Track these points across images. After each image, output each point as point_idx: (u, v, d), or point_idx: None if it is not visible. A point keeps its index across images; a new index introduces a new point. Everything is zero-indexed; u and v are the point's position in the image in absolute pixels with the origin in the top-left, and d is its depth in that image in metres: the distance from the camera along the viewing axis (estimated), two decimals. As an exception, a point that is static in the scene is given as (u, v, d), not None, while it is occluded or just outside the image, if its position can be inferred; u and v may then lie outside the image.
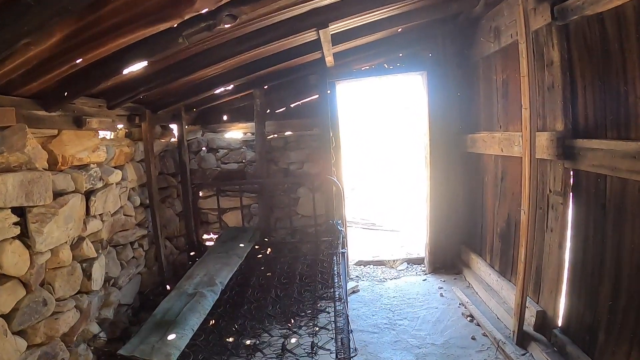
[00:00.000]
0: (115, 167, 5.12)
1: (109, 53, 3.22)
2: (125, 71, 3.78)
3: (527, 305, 4.34)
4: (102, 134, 5.03)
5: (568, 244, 4.00)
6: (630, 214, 3.22)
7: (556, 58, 3.93)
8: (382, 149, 18.27)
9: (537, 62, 4.16)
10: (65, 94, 3.75)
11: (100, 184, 4.62)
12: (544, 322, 4.35)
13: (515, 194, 4.98)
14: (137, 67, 3.91)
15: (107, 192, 4.74)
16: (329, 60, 5.74)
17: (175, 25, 2.97)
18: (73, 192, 4.13)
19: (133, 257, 5.59)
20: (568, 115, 3.88)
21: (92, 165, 4.53)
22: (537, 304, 4.48)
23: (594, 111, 3.60)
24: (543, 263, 4.38)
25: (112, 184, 4.91)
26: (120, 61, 3.48)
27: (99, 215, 4.66)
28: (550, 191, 4.21)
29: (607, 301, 3.48)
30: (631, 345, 3.21)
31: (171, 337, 3.71)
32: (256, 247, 6.33)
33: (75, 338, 4.09)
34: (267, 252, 6.44)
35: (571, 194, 3.93)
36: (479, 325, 5.06)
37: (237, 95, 6.87)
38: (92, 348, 4.35)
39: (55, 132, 4.08)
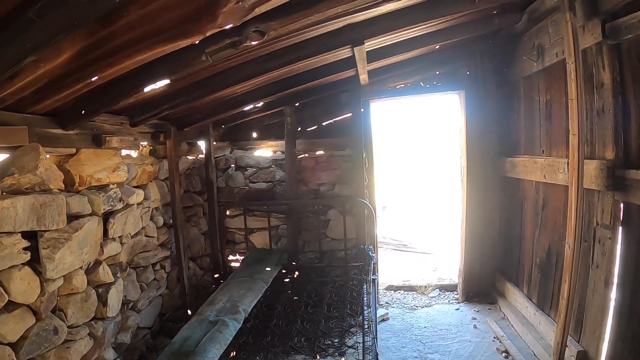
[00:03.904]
0: (137, 187, 4.96)
1: (126, 70, 3.05)
2: (147, 89, 3.62)
3: (567, 344, 3.99)
4: (126, 151, 4.92)
5: (615, 281, 3.66)
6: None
7: (607, 80, 3.60)
8: (416, 168, 18.10)
9: (585, 83, 3.83)
10: (82, 112, 3.59)
11: (119, 205, 4.44)
12: (584, 363, 4.03)
13: (557, 224, 4.69)
14: (159, 84, 3.73)
15: (127, 214, 4.56)
16: (364, 78, 5.54)
17: (197, 42, 2.76)
18: (89, 214, 3.95)
19: (154, 279, 5.41)
20: (619, 142, 3.55)
21: (111, 186, 4.35)
22: (578, 343, 4.14)
23: (650, 140, 3.29)
24: (586, 300, 4.05)
25: (133, 204, 4.74)
26: (140, 79, 3.32)
27: (118, 237, 4.48)
28: (597, 224, 3.87)
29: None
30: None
31: (188, 370, 3.48)
32: (283, 270, 6.12)
33: (87, 367, 3.91)
34: (294, 276, 6.22)
35: (621, 228, 3.59)
36: (515, 362, 4.76)
37: (267, 113, 6.69)
38: (106, 377, 4.15)
39: (73, 151, 3.95)
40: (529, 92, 5.31)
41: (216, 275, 6.49)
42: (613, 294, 3.67)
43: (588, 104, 3.85)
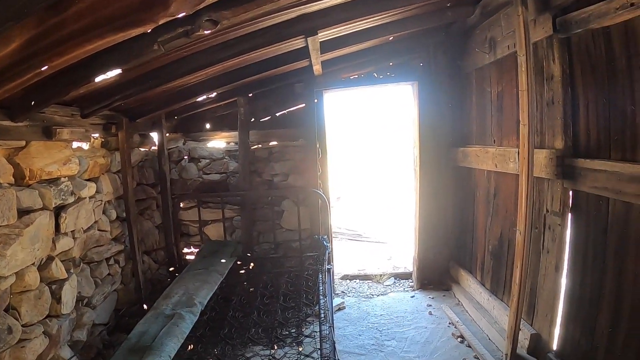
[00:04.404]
0: (89, 180, 4.86)
1: (77, 60, 2.95)
2: (98, 79, 3.54)
3: (520, 327, 4.13)
4: (78, 143, 4.81)
5: (565, 266, 3.82)
6: (633, 240, 3.06)
7: (557, 72, 3.75)
8: (370, 158, 18.19)
9: (536, 76, 3.96)
10: (32, 103, 3.49)
11: (71, 199, 4.36)
12: (538, 345, 4.18)
13: (508, 211, 4.84)
14: (110, 74, 3.65)
15: (79, 207, 4.47)
16: (317, 69, 5.56)
17: (149, 31, 2.73)
18: (40, 209, 3.87)
19: (108, 274, 5.30)
20: (568, 133, 3.71)
21: (62, 179, 4.26)
22: (531, 326, 4.30)
23: (597, 130, 3.44)
24: (538, 284, 4.21)
25: (85, 198, 4.65)
26: (90, 68, 3.23)
27: (71, 232, 4.39)
28: (547, 211, 4.03)
29: (606, 329, 3.33)
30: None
31: (145, 365, 3.44)
32: (238, 262, 6.10)
33: (43, 366, 3.82)
34: (250, 268, 6.23)
35: (570, 215, 3.76)
36: (470, 347, 4.88)
37: (220, 103, 6.63)
38: (62, 376, 4.07)
39: (23, 143, 3.84)
40: (481, 84, 5.44)
41: (171, 269, 6.40)
42: (563, 279, 3.82)
43: (538, 95, 4.01)
